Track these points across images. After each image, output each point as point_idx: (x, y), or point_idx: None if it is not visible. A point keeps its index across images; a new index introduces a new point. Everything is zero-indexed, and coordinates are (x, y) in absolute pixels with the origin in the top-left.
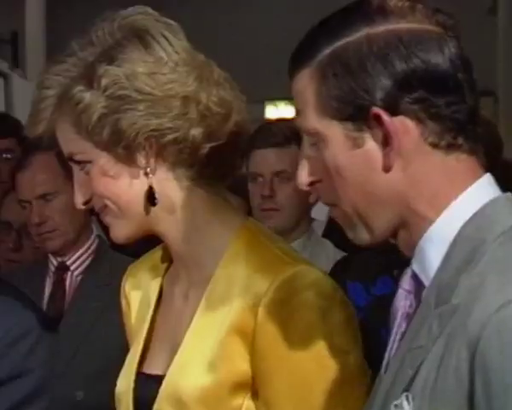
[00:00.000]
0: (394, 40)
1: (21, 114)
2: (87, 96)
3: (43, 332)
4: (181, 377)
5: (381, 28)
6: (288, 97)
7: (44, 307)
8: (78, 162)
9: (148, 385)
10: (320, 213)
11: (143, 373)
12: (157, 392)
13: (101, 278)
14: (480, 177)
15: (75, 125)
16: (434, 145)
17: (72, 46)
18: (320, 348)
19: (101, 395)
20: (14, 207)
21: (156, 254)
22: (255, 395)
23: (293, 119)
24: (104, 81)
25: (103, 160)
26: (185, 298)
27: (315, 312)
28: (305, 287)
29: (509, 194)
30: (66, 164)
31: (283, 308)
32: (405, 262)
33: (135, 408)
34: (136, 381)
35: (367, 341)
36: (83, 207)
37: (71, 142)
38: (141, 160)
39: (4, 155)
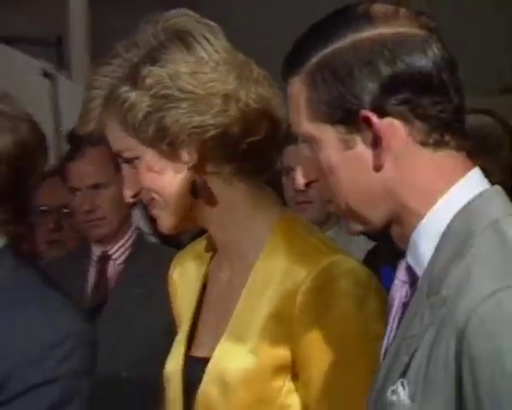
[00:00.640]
0: (379, 45)
1: (67, 113)
2: (132, 95)
3: (80, 338)
4: (225, 361)
5: (365, 34)
6: None
7: (88, 295)
8: (126, 159)
9: (194, 367)
10: None
11: (190, 356)
12: (203, 373)
13: (142, 266)
14: (468, 171)
15: (122, 123)
16: (422, 143)
17: (117, 48)
18: (356, 335)
19: (143, 379)
20: (52, 192)
21: (201, 243)
22: (295, 377)
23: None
24: (148, 81)
25: (149, 156)
26: (228, 286)
27: (351, 300)
28: (342, 275)
29: (497, 186)
30: (115, 157)
31: (321, 296)
32: None
33: (183, 388)
34: (184, 363)
35: None
36: (131, 200)
37: (118, 139)
38: (184, 155)
39: None
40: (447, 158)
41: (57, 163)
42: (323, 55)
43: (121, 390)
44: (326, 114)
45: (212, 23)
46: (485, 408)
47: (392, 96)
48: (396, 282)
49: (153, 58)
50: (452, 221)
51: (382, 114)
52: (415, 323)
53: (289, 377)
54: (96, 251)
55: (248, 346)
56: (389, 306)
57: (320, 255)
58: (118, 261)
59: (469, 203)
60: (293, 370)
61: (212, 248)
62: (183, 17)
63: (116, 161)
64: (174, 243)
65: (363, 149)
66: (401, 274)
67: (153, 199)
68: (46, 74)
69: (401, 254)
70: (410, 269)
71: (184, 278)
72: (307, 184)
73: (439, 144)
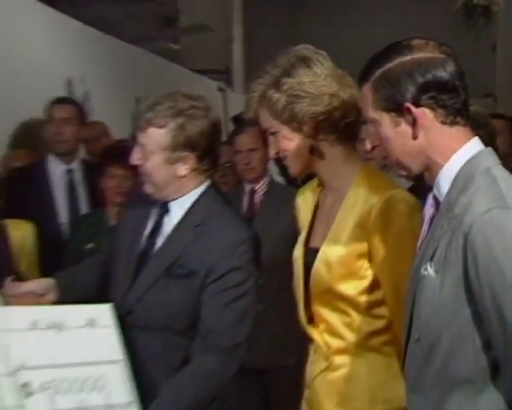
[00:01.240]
0: (416, 64)
1: (232, 111)
2: (276, 95)
3: (251, 240)
4: (329, 249)
5: (408, 57)
6: None
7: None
8: (271, 132)
9: (310, 254)
10: None
11: (308, 247)
12: (315, 257)
13: (275, 196)
14: (471, 139)
15: (269, 111)
16: (442, 123)
17: (266, 68)
18: (405, 235)
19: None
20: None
21: (314, 183)
22: (370, 260)
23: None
24: (285, 87)
25: (284, 130)
26: (330, 208)
27: (404, 216)
28: (398, 201)
29: (489, 148)
30: (264, 132)
31: (385, 213)
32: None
33: (304, 268)
34: (304, 251)
35: None
36: (273, 156)
37: (266, 121)
38: (306, 130)
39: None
40: (458, 131)
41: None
42: (381, 71)
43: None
44: (383, 106)
45: (323, 52)
46: (481, 275)
47: (424, 94)
48: (427, 205)
49: (287, 73)
50: (461, 169)
51: (417, 105)
52: (438, 229)
53: (367, 260)
54: (248, 188)
55: (342, 241)
56: (423, 219)
57: (385, 189)
58: (260, 193)
59: (471, 158)
60: (369, 256)
61: (320, 185)
62: (305, 49)
63: (264, 135)
64: (294, 184)
65: (405, 127)
66: (430, 201)
67: (286, 156)
68: (220, 89)
69: (429, 189)
70: (435, 198)
71: (304, 203)
72: (372, 148)
73: (452, 123)
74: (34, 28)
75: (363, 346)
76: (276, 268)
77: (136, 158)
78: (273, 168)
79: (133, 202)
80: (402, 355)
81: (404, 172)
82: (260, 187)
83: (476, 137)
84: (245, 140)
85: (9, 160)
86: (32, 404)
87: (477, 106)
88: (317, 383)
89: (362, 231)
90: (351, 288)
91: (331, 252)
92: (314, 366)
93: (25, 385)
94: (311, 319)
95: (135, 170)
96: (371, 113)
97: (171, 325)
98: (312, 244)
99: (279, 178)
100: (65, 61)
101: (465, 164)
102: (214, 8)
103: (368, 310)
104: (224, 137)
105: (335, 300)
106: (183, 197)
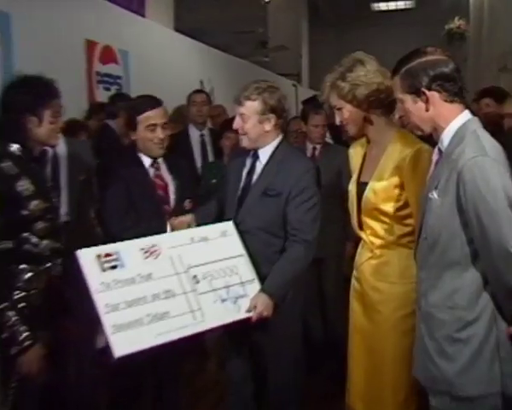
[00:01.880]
0: (429, 64)
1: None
2: (342, 84)
3: (314, 171)
4: (375, 182)
5: (423, 59)
6: None
7: None
8: (338, 108)
9: (362, 186)
10: None
11: (360, 181)
12: (365, 189)
13: (329, 152)
14: (463, 111)
15: (337, 94)
16: (445, 101)
17: (334, 67)
18: (425, 171)
19: None
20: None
21: (363, 140)
22: (403, 189)
23: None
24: (348, 78)
25: (347, 107)
26: (375, 157)
27: (427, 161)
28: (424, 151)
29: (476, 117)
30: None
31: (415, 160)
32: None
33: (356, 196)
34: (357, 185)
35: None
36: (339, 123)
37: (335, 101)
38: (362, 105)
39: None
40: (455, 106)
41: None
42: (406, 68)
43: None
44: (407, 90)
45: (372, 56)
46: (468, 197)
47: (433, 83)
48: (434, 153)
49: (349, 69)
50: (457, 130)
51: (429, 89)
52: (440, 169)
53: (400, 189)
54: (310, 146)
55: (385, 177)
56: (431, 162)
57: (415, 144)
58: (318, 150)
59: (463, 123)
60: (402, 186)
61: (368, 141)
62: (359, 54)
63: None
64: (340, 144)
65: (421, 104)
66: (436, 151)
67: (347, 124)
68: (293, 85)
69: (435, 143)
70: (439, 149)
71: (355, 153)
72: (399, 117)
73: (452, 101)
74: (180, 50)
75: (395, 243)
76: (331, 195)
77: (237, 123)
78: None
79: (235, 155)
80: (415, 247)
81: (419, 132)
82: (318, 148)
83: (467, 110)
84: (321, 119)
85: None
86: (200, 287)
87: None
88: (364, 267)
89: (398, 170)
90: (389, 207)
91: (377, 184)
92: (362, 256)
93: (194, 277)
94: (361, 227)
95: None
96: (399, 94)
97: (268, 229)
98: (363, 180)
99: (330, 141)
100: (199, 69)
101: (459, 127)
102: (289, 35)
103: (400, 220)
104: (295, 114)
105: (379, 214)
106: (267, 146)
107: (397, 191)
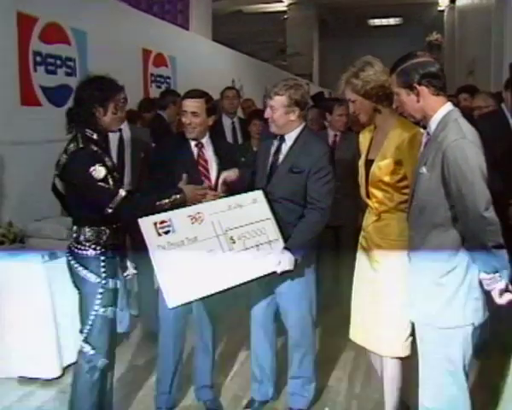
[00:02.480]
0: (419, 64)
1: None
2: (356, 81)
3: (330, 152)
4: (380, 160)
5: (415, 60)
6: None
7: None
8: (352, 101)
9: (369, 162)
10: None
11: (368, 159)
12: (372, 164)
13: (348, 139)
14: (446, 103)
15: (351, 90)
16: (433, 94)
17: (348, 68)
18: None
19: None
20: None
21: (372, 127)
22: (401, 165)
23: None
24: (361, 77)
25: (360, 99)
26: (380, 140)
27: (420, 141)
28: (419, 135)
29: (456, 108)
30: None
31: (412, 141)
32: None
33: (365, 165)
34: (365, 161)
35: None
36: (352, 113)
37: (350, 95)
38: (371, 98)
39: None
40: (441, 99)
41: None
42: (401, 68)
43: None
44: (402, 85)
45: (378, 59)
46: (451, 173)
47: (423, 79)
48: (423, 136)
49: (361, 69)
50: (442, 118)
51: (420, 84)
52: (429, 149)
53: (401, 165)
54: (332, 133)
55: (388, 156)
56: (421, 143)
57: (412, 128)
58: (339, 138)
59: (447, 113)
60: (401, 162)
61: (374, 128)
62: (368, 57)
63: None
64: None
65: (413, 96)
66: (425, 134)
67: (360, 113)
68: (307, 84)
69: (424, 128)
70: (428, 133)
71: (364, 138)
72: (396, 108)
73: (438, 94)
74: (216, 56)
75: (395, 208)
76: (347, 174)
77: (268, 113)
78: None
79: (264, 138)
80: (407, 212)
81: (412, 119)
82: (340, 133)
83: (449, 102)
84: (344, 109)
85: None
86: (236, 246)
87: None
88: (371, 228)
89: (398, 150)
90: (391, 178)
91: (381, 161)
92: (368, 219)
93: (231, 238)
94: (368, 196)
95: (266, 121)
96: (395, 89)
97: (293, 199)
98: (370, 157)
99: None
100: (231, 71)
101: (443, 116)
102: (303, 44)
103: (399, 190)
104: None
105: (382, 185)
106: (292, 132)
107: (397, 167)
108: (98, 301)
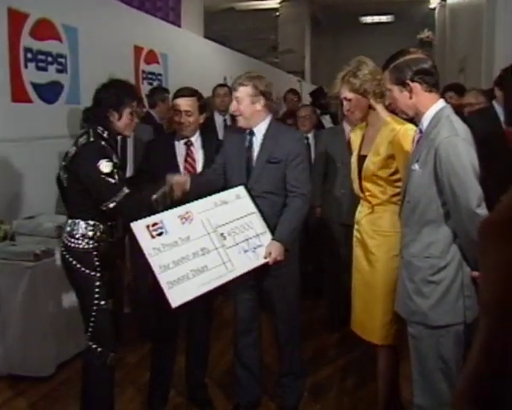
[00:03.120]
0: (412, 61)
1: (305, 93)
2: (353, 80)
3: (303, 139)
4: (373, 155)
5: (408, 57)
6: None
7: None
8: (348, 99)
9: (362, 158)
10: None
11: (360, 155)
12: (365, 160)
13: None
14: (439, 100)
15: (348, 88)
16: (425, 91)
17: (345, 66)
18: (408, 148)
19: None
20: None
21: (363, 125)
22: (394, 159)
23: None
24: (359, 75)
25: (355, 97)
26: (372, 136)
27: (411, 136)
28: (409, 129)
29: (448, 105)
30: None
31: (403, 135)
32: None
33: (357, 165)
34: (358, 157)
35: None
36: (347, 109)
37: (346, 93)
38: (366, 95)
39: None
40: (433, 96)
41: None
42: (394, 65)
43: None
44: (395, 82)
45: (371, 60)
46: (443, 170)
47: (416, 76)
48: (416, 133)
49: (358, 69)
50: (434, 115)
51: (412, 81)
52: (421, 146)
53: (393, 159)
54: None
55: (380, 151)
56: (413, 140)
57: (402, 124)
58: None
59: (439, 109)
60: (393, 157)
61: (366, 125)
62: (362, 57)
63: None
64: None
65: (406, 93)
66: (417, 131)
67: (354, 111)
68: (298, 81)
69: (416, 125)
70: (420, 129)
71: (355, 135)
72: (388, 104)
73: (430, 91)
74: (208, 53)
75: (388, 201)
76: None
77: (234, 106)
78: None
79: (229, 133)
80: (400, 209)
81: (404, 116)
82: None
83: (442, 99)
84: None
85: None
86: (227, 241)
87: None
88: (364, 221)
89: (391, 145)
90: (384, 172)
91: (374, 156)
92: (362, 212)
93: (221, 234)
94: (361, 190)
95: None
96: (388, 85)
97: (275, 191)
98: (362, 153)
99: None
100: (222, 68)
101: (436, 112)
102: (295, 41)
103: (391, 183)
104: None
105: (376, 179)
106: (260, 125)
107: (390, 161)
108: (97, 295)
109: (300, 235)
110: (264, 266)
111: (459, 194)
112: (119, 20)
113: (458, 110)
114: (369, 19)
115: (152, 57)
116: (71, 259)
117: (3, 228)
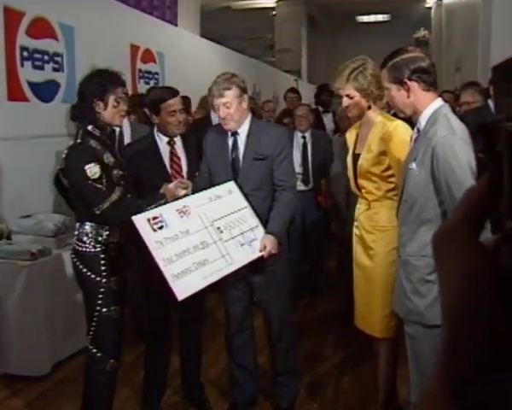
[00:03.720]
0: (410, 59)
1: (305, 91)
2: (362, 80)
3: (287, 133)
4: (366, 152)
5: (405, 56)
6: None
7: None
8: (350, 97)
9: (356, 156)
10: None
11: (355, 153)
12: (359, 157)
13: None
14: (437, 98)
15: (352, 86)
16: (423, 89)
17: (345, 63)
18: (404, 145)
19: None
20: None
21: (357, 125)
22: (386, 156)
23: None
24: (365, 74)
25: (358, 95)
26: (365, 135)
27: (403, 133)
28: (399, 126)
29: (446, 104)
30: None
31: (393, 132)
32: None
33: (352, 163)
34: (352, 155)
35: None
36: (346, 106)
37: (349, 90)
38: (367, 96)
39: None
40: (431, 94)
41: None
42: (391, 63)
43: None
44: (392, 80)
45: (371, 60)
46: (440, 169)
47: (414, 74)
48: (414, 132)
49: (364, 68)
50: (432, 114)
51: (410, 80)
52: (418, 145)
53: (385, 156)
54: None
55: (373, 148)
56: (411, 139)
57: (393, 121)
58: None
59: (437, 108)
60: (386, 153)
61: (360, 125)
62: (364, 57)
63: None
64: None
65: (403, 92)
66: (415, 130)
67: (353, 109)
68: (295, 80)
69: (415, 124)
70: (418, 129)
71: (350, 135)
72: (386, 103)
73: (428, 90)
74: (204, 52)
75: (383, 197)
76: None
77: (223, 113)
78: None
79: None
80: (397, 208)
81: (402, 115)
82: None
83: (440, 98)
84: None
85: (195, 114)
86: (224, 235)
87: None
88: (362, 217)
89: (383, 142)
90: (378, 169)
91: (368, 153)
92: (359, 209)
93: (218, 228)
94: (358, 188)
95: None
96: (386, 84)
97: (263, 187)
98: (357, 151)
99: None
100: (219, 67)
101: (434, 111)
102: (292, 40)
103: (385, 179)
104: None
105: (370, 176)
106: (243, 125)
107: (381, 157)
108: (100, 301)
109: (298, 232)
110: (258, 261)
111: (456, 193)
112: (115, 18)
113: (453, 110)
114: (365, 18)
115: (148, 56)
116: (78, 263)
117: (0, 227)
